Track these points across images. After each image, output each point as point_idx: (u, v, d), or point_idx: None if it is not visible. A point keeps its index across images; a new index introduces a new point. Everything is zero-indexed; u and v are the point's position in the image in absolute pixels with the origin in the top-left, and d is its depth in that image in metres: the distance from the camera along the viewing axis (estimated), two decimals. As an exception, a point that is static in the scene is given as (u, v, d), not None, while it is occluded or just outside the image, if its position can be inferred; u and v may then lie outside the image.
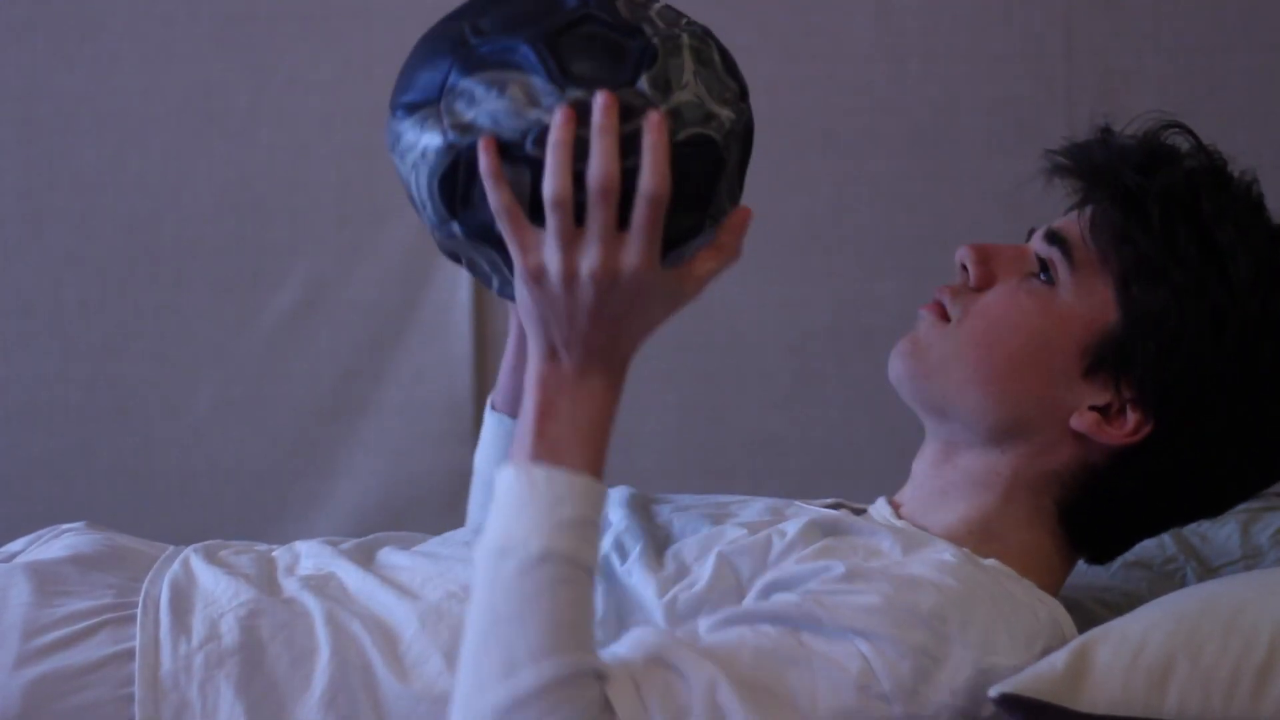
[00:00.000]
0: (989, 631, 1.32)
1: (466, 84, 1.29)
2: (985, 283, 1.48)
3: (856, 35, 2.32)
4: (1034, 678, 1.29)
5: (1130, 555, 1.71)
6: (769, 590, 1.36)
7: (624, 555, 1.44)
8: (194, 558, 1.50)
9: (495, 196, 1.27)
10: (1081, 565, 1.64)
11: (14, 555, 1.55)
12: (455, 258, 1.38)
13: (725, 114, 1.36)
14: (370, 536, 1.60)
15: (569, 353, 1.30)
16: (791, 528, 1.42)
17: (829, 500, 1.55)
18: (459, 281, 2.32)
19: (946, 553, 1.39)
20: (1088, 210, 1.46)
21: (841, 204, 2.33)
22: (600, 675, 1.24)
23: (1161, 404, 1.41)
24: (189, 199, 2.32)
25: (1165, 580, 1.69)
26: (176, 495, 2.33)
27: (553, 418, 1.29)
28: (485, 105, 1.28)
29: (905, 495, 1.52)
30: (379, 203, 2.32)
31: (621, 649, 1.30)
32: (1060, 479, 1.45)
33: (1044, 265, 1.46)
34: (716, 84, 1.36)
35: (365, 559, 1.51)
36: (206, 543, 1.55)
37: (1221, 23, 2.33)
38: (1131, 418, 1.42)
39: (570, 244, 1.26)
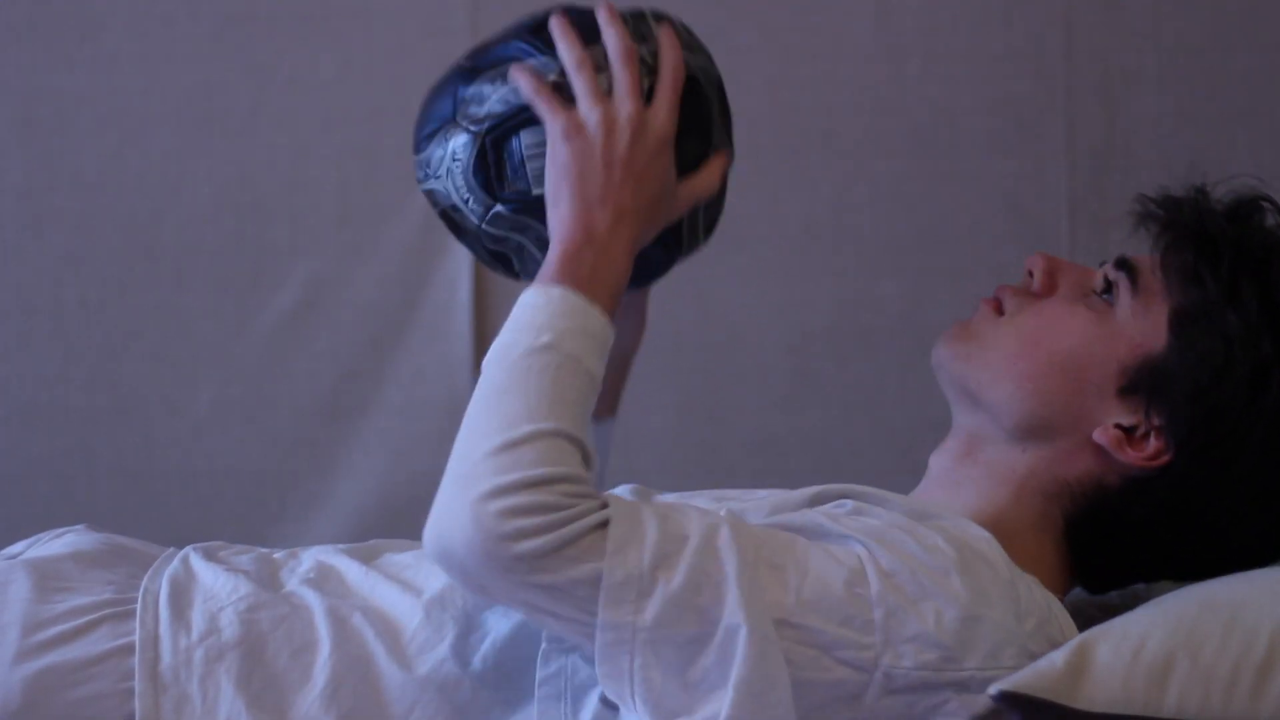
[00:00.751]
0: (984, 585, 1.34)
1: (473, 90, 1.45)
2: (1048, 290, 1.51)
3: (856, 35, 2.32)
4: (1033, 675, 1.29)
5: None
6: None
7: None
8: (193, 556, 1.50)
9: (526, 82, 1.41)
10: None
11: (15, 557, 1.55)
12: (502, 257, 1.48)
13: (699, 61, 1.48)
14: (370, 542, 1.61)
15: (602, 208, 1.38)
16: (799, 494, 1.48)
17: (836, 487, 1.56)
18: (459, 281, 2.32)
19: (969, 529, 1.41)
20: (1162, 245, 1.48)
21: (841, 204, 2.33)
22: (587, 458, 1.31)
23: (1185, 439, 1.43)
24: (189, 199, 2.32)
25: (1165, 582, 1.68)
26: (176, 495, 2.33)
27: (579, 261, 1.38)
28: (495, 95, 1.44)
29: (919, 491, 1.53)
30: (379, 203, 2.32)
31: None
32: (1072, 491, 1.46)
33: (1108, 287, 1.48)
34: (686, 36, 1.50)
35: (366, 557, 1.52)
36: (206, 543, 1.56)
37: (1221, 23, 2.33)
38: (1153, 444, 1.43)
39: (602, 98, 1.40)
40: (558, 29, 1.42)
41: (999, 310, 1.52)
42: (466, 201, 1.46)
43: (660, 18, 1.47)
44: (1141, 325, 1.45)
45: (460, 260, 2.31)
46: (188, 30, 2.30)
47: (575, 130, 1.39)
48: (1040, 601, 1.38)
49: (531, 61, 1.43)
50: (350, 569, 1.48)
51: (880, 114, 2.32)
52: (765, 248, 2.35)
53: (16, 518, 2.22)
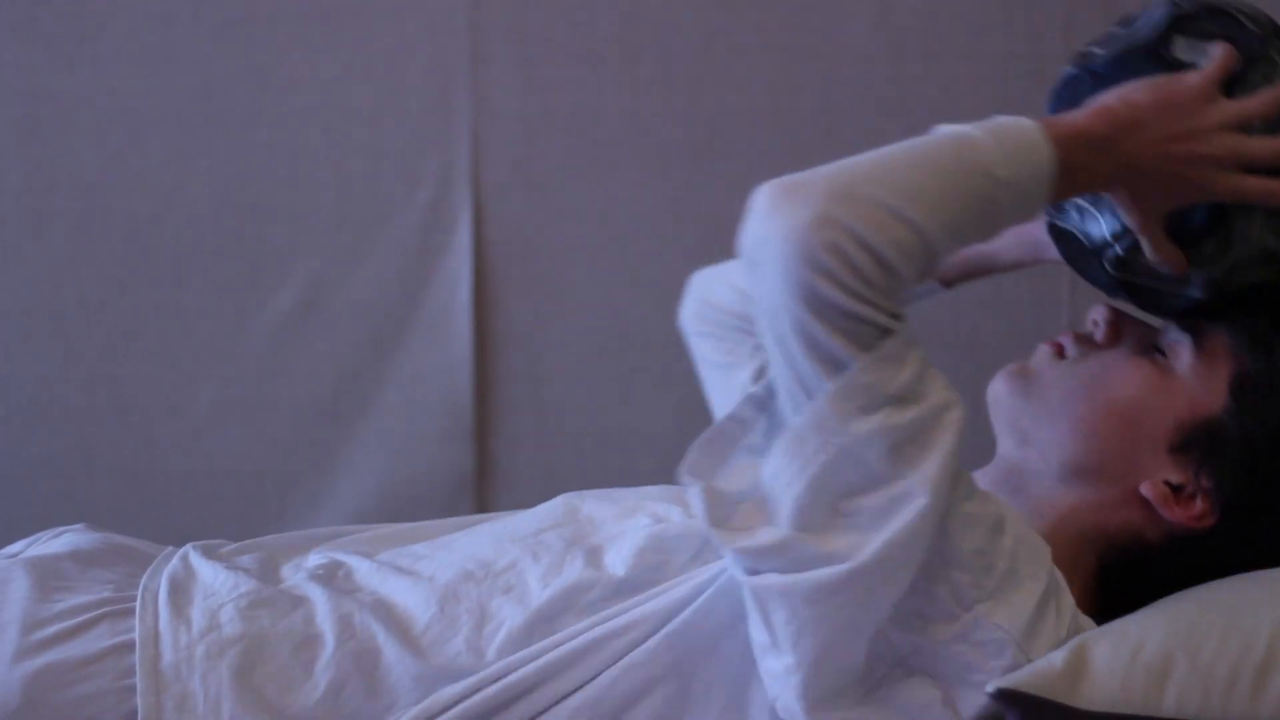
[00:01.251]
0: (1062, 593, 1.37)
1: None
2: (1111, 342, 1.52)
3: (856, 35, 2.32)
4: (1032, 674, 1.29)
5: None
6: None
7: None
8: (193, 554, 1.51)
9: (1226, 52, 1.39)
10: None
11: (14, 556, 1.55)
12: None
13: None
14: (388, 528, 1.61)
15: (1138, 147, 1.36)
16: None
17: None
18: (459, 281, 2.32)
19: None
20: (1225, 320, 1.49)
21: (841, 204, 2.33)
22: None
23: (1232, 504, 1.43)
24: (189, 199, 2.32)
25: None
26: (176, 495, 2.33)
27: (1081, 153, 1.34)
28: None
29: None
30: (379, 203, 2.32)
31: None
32: (1110, 539, 1.46)
33: (1168, 346, 1.49)
34: None
35: (374, 550, 1.52)
36: (206, 541, 1.56)
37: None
38: (1200, 505, 1.44)
39: (1245, 124, 1.38)
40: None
41: (1060, 353, 1.53)
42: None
43: None
44: (1202, 385, 1.45)
45: (460, 260, 2.31)
46: (188, 30, 2.31)
47: (1202, 96, 1.37)
48: (1068, 606, 1.40)
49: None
50: (360, 565, 1.48)
51: (880, 114, 2.32)
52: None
53: (16, 517, 2.22)
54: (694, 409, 2.36)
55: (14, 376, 2.32)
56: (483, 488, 2.32)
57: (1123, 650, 1.31)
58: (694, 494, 1.34)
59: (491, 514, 1.61)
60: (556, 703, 1.37)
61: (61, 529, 1.60)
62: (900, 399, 1.29)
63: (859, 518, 1.29)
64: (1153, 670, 1.30)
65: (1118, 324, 1.52)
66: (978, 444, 1.55)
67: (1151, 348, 1.49)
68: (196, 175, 2.32)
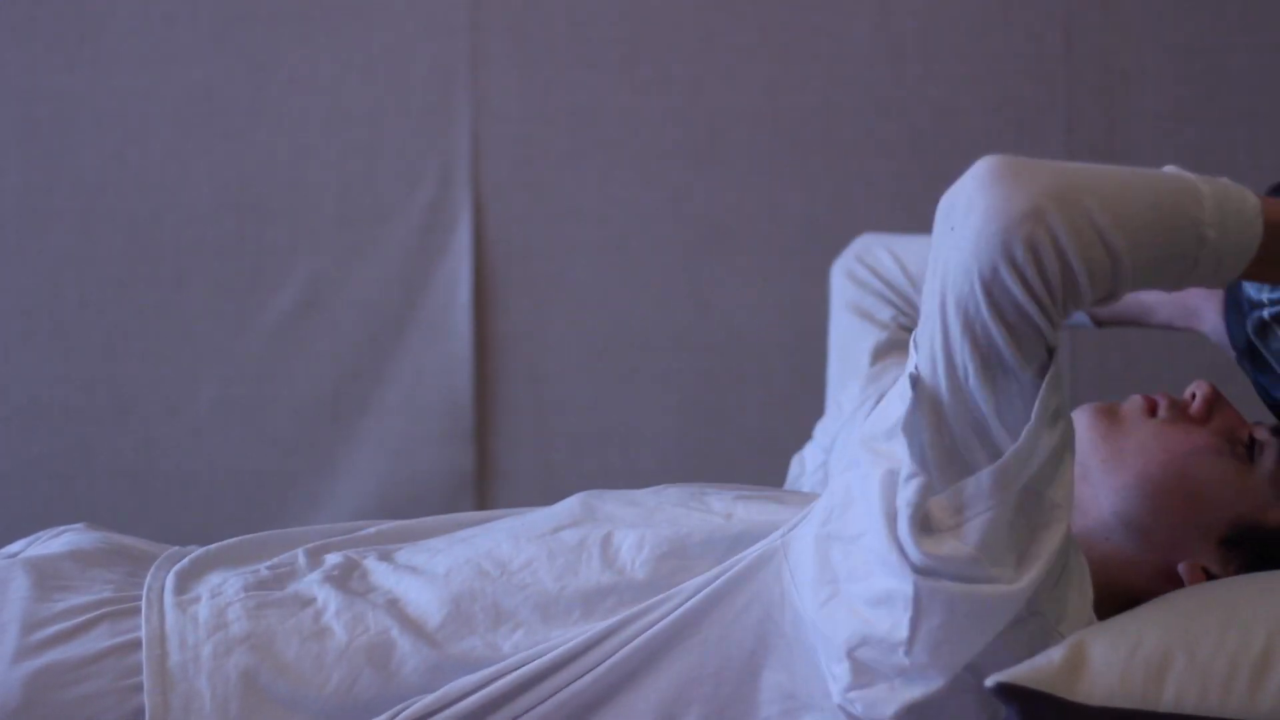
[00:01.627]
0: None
1: None
2: (1203, 418, 1.51)
3: (856, 35, 2.32)
4: (1031, 668, 1.29)
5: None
6: None
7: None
8: (201, 556, 1.50)
9: None
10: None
11: (14, 555, 1.55)
12: None
13: None
14: (416, 522, 1.60)
15: None
16: None
17: None
18: (459, 281, 2.32)
19: None
20: None
21: (841, 204, 2.33)
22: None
23: None
24: (189, 199, 2.32)
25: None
26: (176, 495, 2.33)
27: None
28: None
29: None
30: (379, 203, 2.32)
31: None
32: (1129, 599, 1.46)
33: (1253, 443, 1.49)
34: None
35: (395, 549, 1.51)
36: (217, 545, 1.55)
37: (1221, 23, 2.33)
38: None
39: None
40: None
41: (1152, 410, 1.52)
42: None
43: None
44: (1269, 490, 1.47)
45: (460, 260, 2.31)
46: (188, 30, 2.31)
47: None
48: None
49: None
50: (376, 566, 1.47)
51: (880, 114, 2.32)
52: (765, 248, 2.35)
53: (16, 517, 2.22)
54: (694, 409, 2.36)
55: (14, 376, 2.32)
56: (483, 488, 2.32)
57: (1121, 645, 1.31)
58: (911, 486, 1.31)
59: (506, 510, 1.60)
60: (569, 684, 1.37)
61: (61, 528, 1.59)
62: (1057, 415, 1.30)
63: (1022, 535, 1.30)
64: (1151, 665, 1.30)
65: (1214, 402, 1.52)
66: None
67: (1236, 440, 1.50)
68: (196, 175, 2.32)
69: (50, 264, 2.32)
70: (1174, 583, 1.45)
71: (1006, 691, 1.28)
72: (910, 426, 1.31)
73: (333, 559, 1.50)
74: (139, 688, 1.36)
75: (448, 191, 2.32)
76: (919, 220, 2.33)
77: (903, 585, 1.30)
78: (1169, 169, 1.32)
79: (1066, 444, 1.31)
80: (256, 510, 2.32)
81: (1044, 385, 1.27)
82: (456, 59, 2.31)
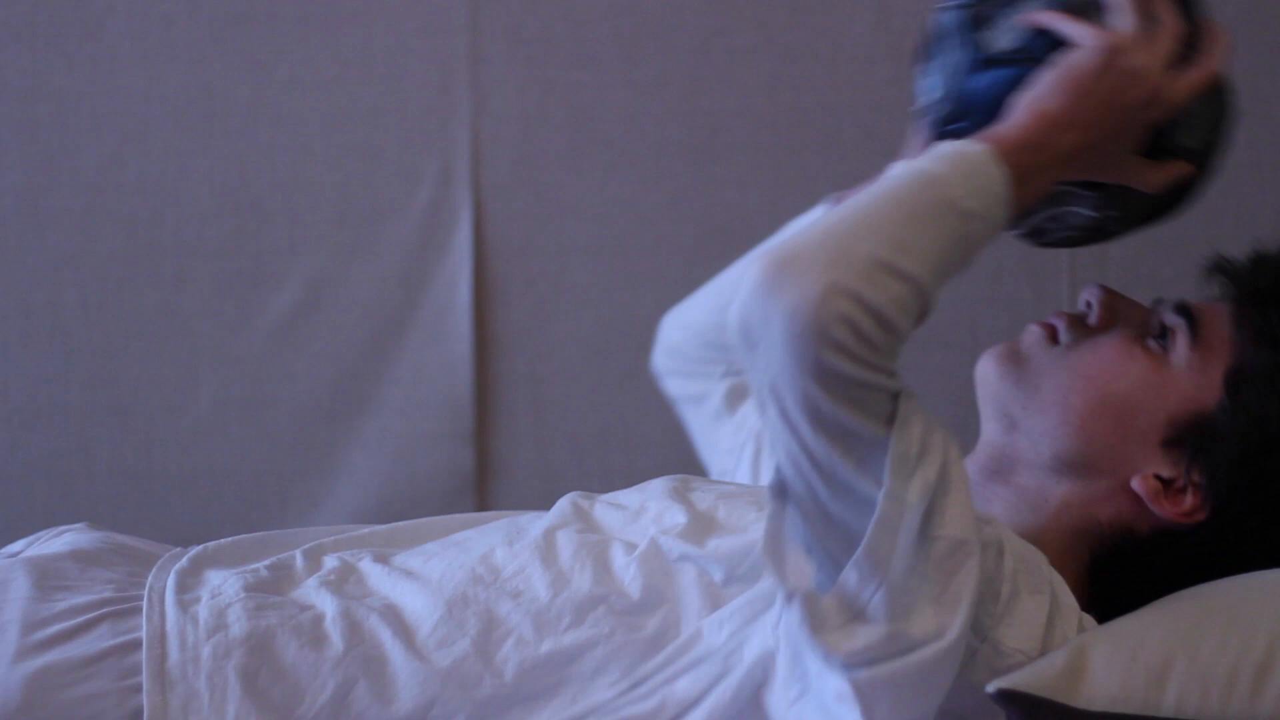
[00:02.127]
0: (1062, 600, 1.37)
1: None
2: (1104, 326, 1.50)
3: (856, 35, 2.32)
4: (1032, 673, 1.29)
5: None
6: None
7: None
8: (200, 555, 1.50)
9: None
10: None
11: (15, 555, 1.55)
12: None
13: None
14: (412, 523, 1.60)
15: (1077, 134, 1.35)
16: None
17: None
18: (459, 281, 2.32)
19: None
20: (1229, 304, 1.48)
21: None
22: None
23: (1223, 501, 1.43)
24: (189, 199, 2.32)
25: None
26: (176, 495, 2.32)
27: (1030, 158, 1.33)
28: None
29: None
30: (379, 203, 2.32)
31: None
32: (1100, 533, 1.46)
33: (1164, 331, 1.48)
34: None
35: (390, 551, 1.51)
36: (218, 542, 1.55)
37: (1221, 23, 2.33)
38: (1190, 500, 1.44)
39: (1148, 47, 1.37)
40: None
41: (1053, 337, 1.51)
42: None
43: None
44: (1197, 380, 1.45)
45: (460, 260, 2.31)
46: (188, 30, 2.30)
47: (1114, 54, 1.36)
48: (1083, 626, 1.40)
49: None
50: (372, 569, 1.47)
51: (880, 114, 2.32)
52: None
53: (16, 517, 2.22)
54: (694, 409, 2.36)
55: (14, 376, 2.32)
56: (483, 488, 2.32)
57: (1122, 650, 1.31)
58: (795, 607, 1.30)
59: (500, 513, 1.61)
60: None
61: (62, 528, 1.60)
62: (924, 453, 1.28)
63: (932, 585, 1.29)
64: (1152, 670, 1.30)
65: (1112, 305, 1.50)
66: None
67: (1146, 334, 1.48)
68: (196, 175, 2.32)
69: (50, 264, 2.31)
70: (1135, 501, 1.44)
71: (1007, 697, 1.28)
72: (772, 542, 1.31)
73: (330, 561, 1.50)
74: (139, 688, 1.36)
75: (448, 191, 2.32)
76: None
77: (844, 683, 1.29)
78: (895, 168, 1.31)
79: (945, 475, 1.29)
80: (256, 510, 2.32)
81: (891, 439, 1.26)
82: (456, 59, 2.31)
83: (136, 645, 1.38)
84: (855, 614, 1.29)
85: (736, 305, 1.27)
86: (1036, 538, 1.45)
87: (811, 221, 1.34)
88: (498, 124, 2.32)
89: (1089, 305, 1.51)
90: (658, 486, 1.54)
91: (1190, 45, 1.41)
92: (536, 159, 2.32)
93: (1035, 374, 1.50)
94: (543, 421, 2.33)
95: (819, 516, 1.29)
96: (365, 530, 1.58)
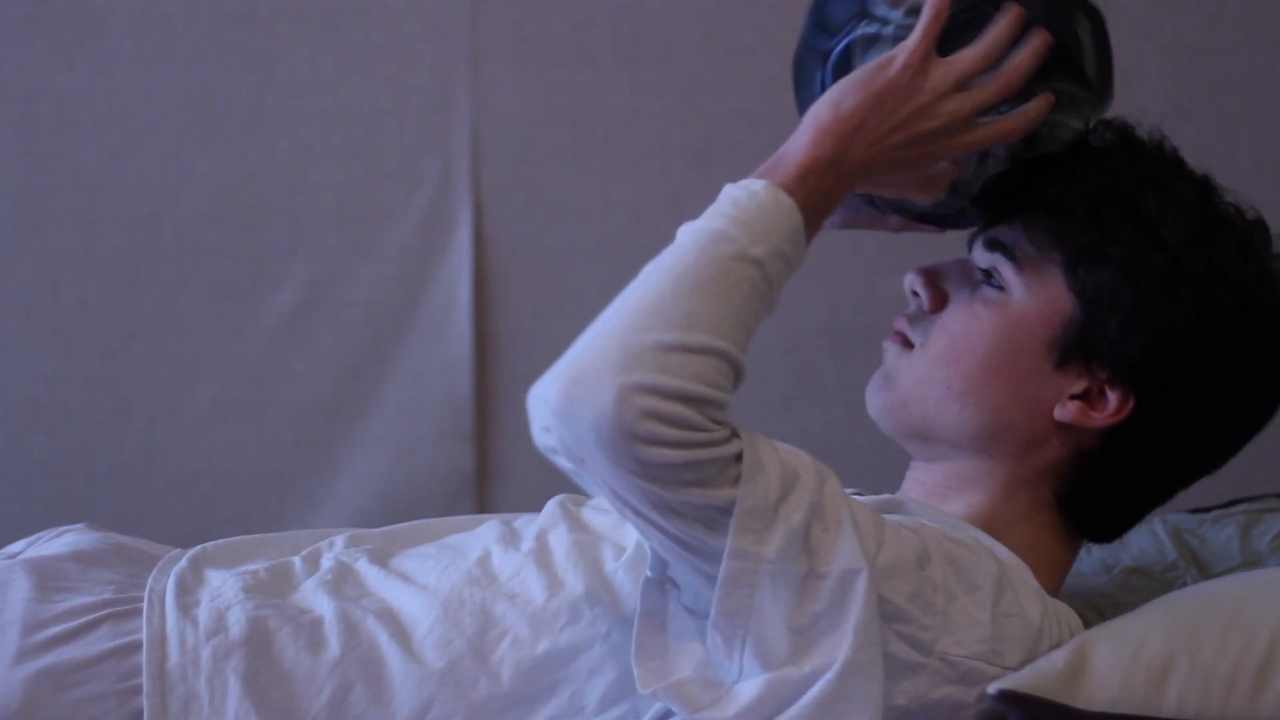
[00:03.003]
0: (1020, 590, 1.36)
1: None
2: (939, 304, 1.51)
3: (856, 35, 2.31)
4: (1033, 674, 1.29)
5: (1130, 561, 1.72)
6: None
7: None
8: (200, 556, 1.50)
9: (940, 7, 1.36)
10: (1082, 571, 1.64)
11: (15, 555, 1.55)
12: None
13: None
14: (409, 525, 1.60)
15: (867, 147, 1.35)
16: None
17: (850, 490, 1.56)
18: (459, 281, 2.32)
19: (976, 536, 1.42)
20: (1018, 220, 1.48)
21: (841, 204, 2.33)
22: (737, 372, 1.29)
23: (1138, 377, 1.43)
24: (189, 199, 2.32)
25: (1165, 588, 1.68)
26: (176, 495, 2.32)
27: (817, 180, 1.33)
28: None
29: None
30: (379, 203, 2.32)
31: None
32: (1056, 471, 1.46)
33: (988, 274, 1.48)
34: None
35: (387, 553, 1.51)
36: (218, 541, 1.56)
37: (1221, 23, 2.33)
38: (1112, 397, 1.44)
39: (962, 82, 1.35)
40: None
41: (907, 344, 1.52)
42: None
43: None
44: (1042, 297, 1.46)
45: (460, 260, 2.31)
46: (188, 30, 2.30)
47: (917, 69, 1.35)
48: (1063, 615, 1.40)
49: None
50: (369, 572, 1.48)
51: (880, 114, 2.32)
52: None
53: (16, 518, 2.21)
54: (694, 409, 2.36)
55: (14, 376, 2.32)
56: (483, 488, 2.32)
57: (1123, 650, 1.31)
58: (664, 700, 1.31)
59: (493, 516, 1.61)
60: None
61: (63, 529, 1.60)
62: (786, 497, 1.28)
63: (818, 624, 1.28)
64: (1153, 670, 1.30)
65: (935, 283, 1.51)
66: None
67: (977, 284, 1.49)
68: (196, 175, 2.32)
69: (50, 264, 2.31)
70: (1069, 430, 1.44)
71: (1008, 698, 1.28)
72: (643, 635, 1.31)
73: (327, 563, 1.50)
74: (139, 690, 1.37)
75: (448, 191, 2.32)
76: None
77: None
78: (680, 232, 1.32)
79: (819, 510, 1.29)
80: (256, 510, 2.32)
81: (736, 500, 1.26)
82: (456, 59, 2.31)
83: (137, 647, 1.39)
84: (730, 677, 1.29)
85: (554, 435, 1.28)
86: (998, 510, 1.47)
87: (599, 320, 1.33)
88: (498, 124, 2.32)
89: (915, 294, 1.52)
90: (550, 507, 1.55)
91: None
92: (536, 159, 2.32)
93: (914, 386, 1.50)
94: (543, 421, 2.33)
95: (709, 585, 1.29)
96: (361, 533, 1.58)
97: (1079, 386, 1.45)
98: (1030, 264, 1.46)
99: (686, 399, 1.24)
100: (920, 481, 1.53)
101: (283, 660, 1.39)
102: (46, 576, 1.44)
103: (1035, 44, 1.39)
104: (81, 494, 2.32)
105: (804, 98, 1.47)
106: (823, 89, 1.41)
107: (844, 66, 1.42)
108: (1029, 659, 1.33)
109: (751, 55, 2.33)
